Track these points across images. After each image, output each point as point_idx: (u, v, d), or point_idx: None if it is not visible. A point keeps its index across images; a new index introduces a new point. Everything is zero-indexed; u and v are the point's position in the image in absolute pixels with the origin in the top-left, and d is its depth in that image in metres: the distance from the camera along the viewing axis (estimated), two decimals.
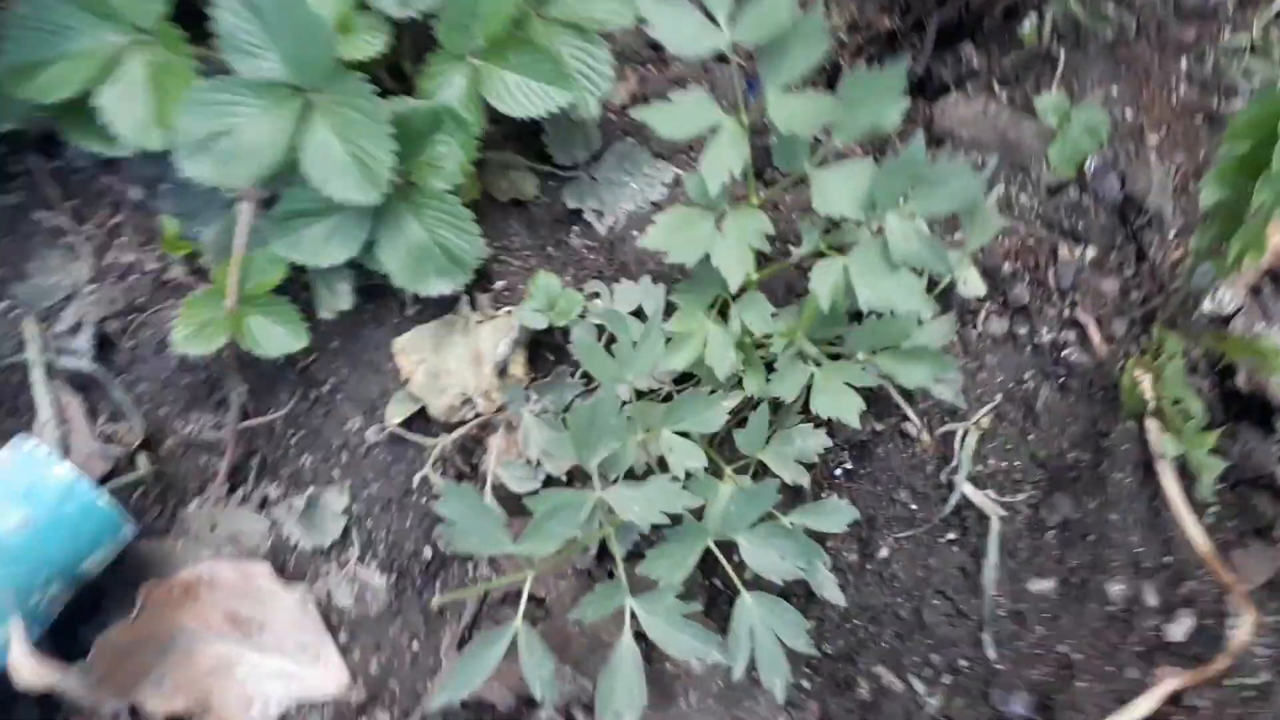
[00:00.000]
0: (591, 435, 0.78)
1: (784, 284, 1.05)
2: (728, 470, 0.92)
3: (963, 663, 1.06)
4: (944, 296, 1.06)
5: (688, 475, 0.85)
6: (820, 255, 0.86)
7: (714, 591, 1.06)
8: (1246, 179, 0.91)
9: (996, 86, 1.23)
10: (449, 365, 1.05)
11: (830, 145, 0.82)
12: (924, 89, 1.30)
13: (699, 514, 0.86)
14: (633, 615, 0.81)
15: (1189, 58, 1.26)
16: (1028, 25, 1.22)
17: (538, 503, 0.75)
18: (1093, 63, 1.23)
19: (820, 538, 0.90)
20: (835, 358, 0.91)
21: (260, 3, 0.89)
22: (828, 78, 1.28)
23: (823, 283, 0.83)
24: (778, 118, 0.79)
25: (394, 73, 1.09)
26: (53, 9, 0.95)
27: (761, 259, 0.91)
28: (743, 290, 0.88)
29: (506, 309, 1.08)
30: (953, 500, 1.03)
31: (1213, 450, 0.93)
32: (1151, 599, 1.10)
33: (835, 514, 0.85)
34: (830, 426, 0.94)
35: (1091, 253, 1.14)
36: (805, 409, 0.99)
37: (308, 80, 0.91)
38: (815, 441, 0.90)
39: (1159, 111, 1.22)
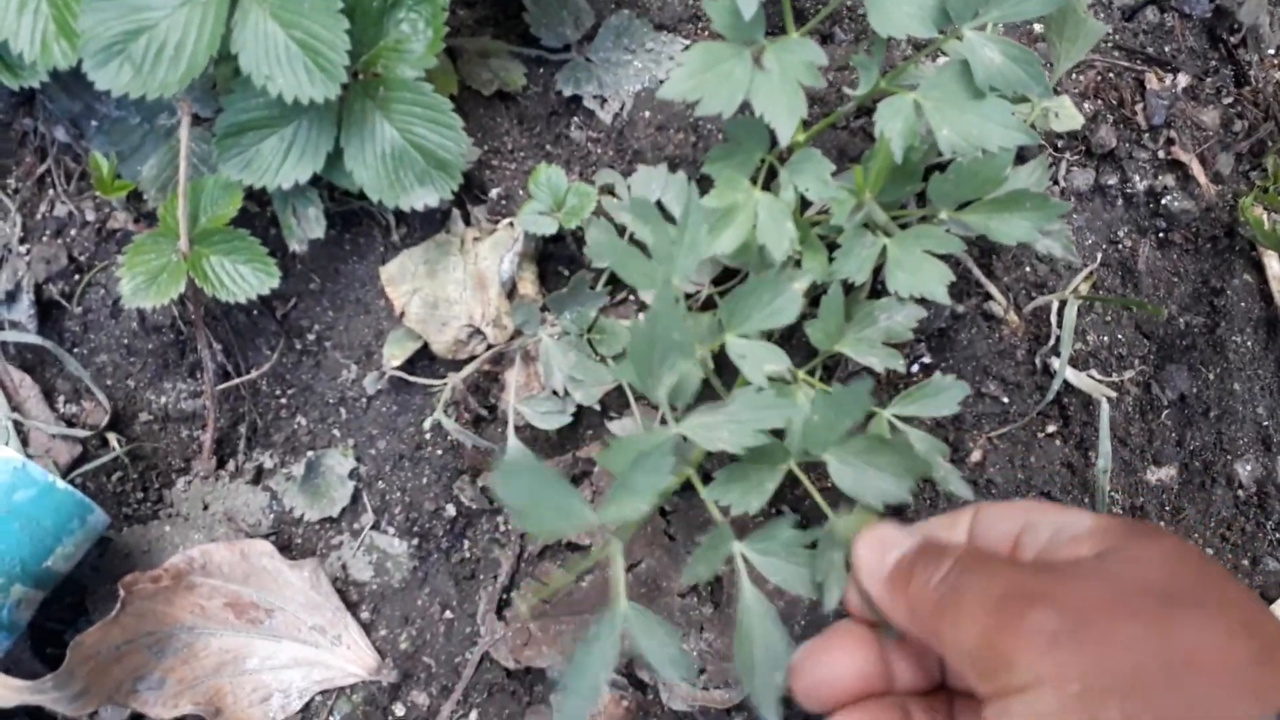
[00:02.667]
0: (654, 358, 0.62)
1: (834, 148, 0.88)
2: (800, 374, 0.76)
3: None
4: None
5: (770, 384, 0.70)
6: (881, 98, 0.70)
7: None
8: None
9: None
10: (448, 293, 0.90)
11: None
12: None
13: (778, 434, 0.70)
14: (745, 561, 0.65)
15: None
16: None
17: (611, 457, 0.59)
18: None
19: None
20: (905, 227, 0.75)
21: None
22: None
23: (892, 124, 0.67)
24: None
25: None
26: None
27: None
28: (791, 149, 0.72)
29: (507, 220, 0.92)
30: (1054, 386, 0.87)
31: None
32: None
33: (943, 393, 0.69)
34: None
35: (1183, 80, 0.96)
36: (874, 293, 0.83)
37: None
38: (907, 315, 0.73)
39: None
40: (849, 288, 0.78)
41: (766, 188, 0.75)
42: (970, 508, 0.62)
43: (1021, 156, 0.86)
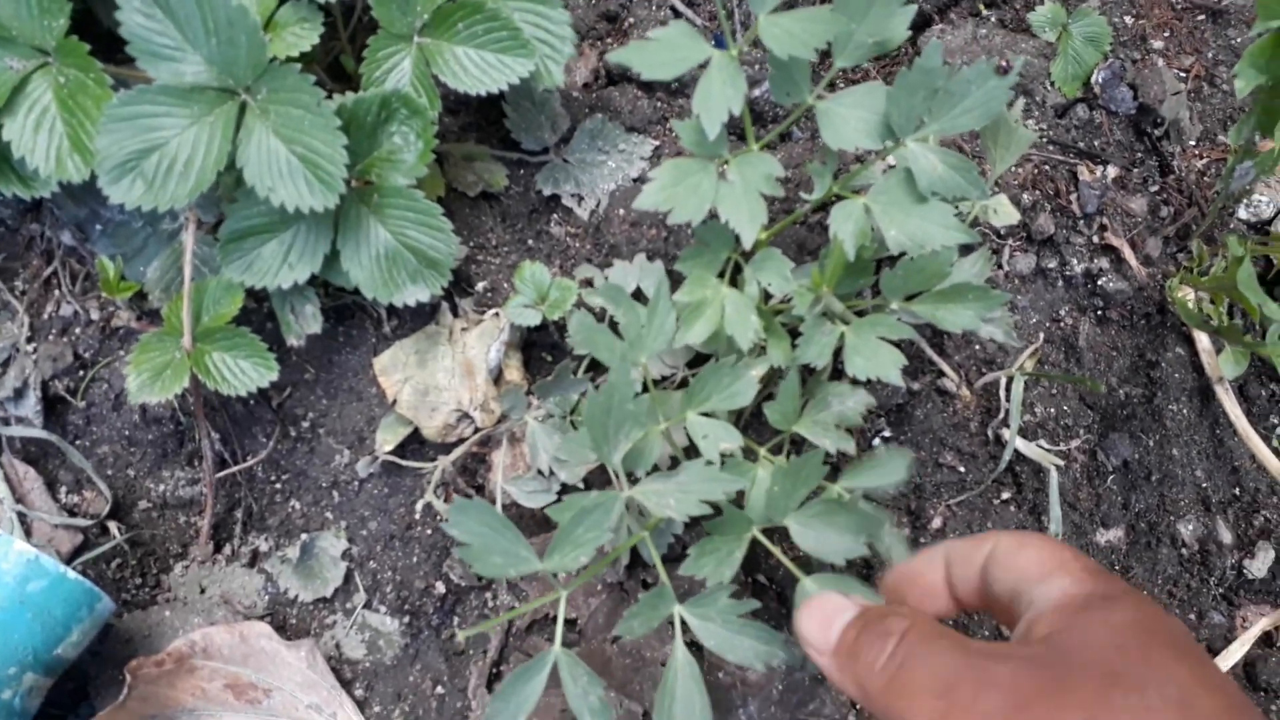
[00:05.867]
0: (610, 426, 0.68)
1: (794, 242, 0.95)
2: (761, 451, 0.82)
3: None
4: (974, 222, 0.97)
5: (723, 460, 0.76)
6: (835, 200, 0.77)
7: (758, 588, 0.96)
8: None
9: (983, 9, 1.14)
10: (438, 380, 0.95)
11: (833, 70, 0.72)
12: None
13: (738, 504, 0.76)
14: (683, 624, 0.71)
15: None
16: None
17: (561, 510, 0.65)
18: None
19: None
20: (860, 314, 0.82)
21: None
22: None
23: (844, 227, 0.74)
24: (772, 40, 0.69)
25: (334, 72, 1.00)
26: None
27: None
28: (754, 249, 0.79)
29: (492, 311, 0.98)
30: (1005, 456, 0.94)
31: None
32: (1226, 535, 1.02)
33: (888, 465, 0.75)
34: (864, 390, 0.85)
35: (1113, 171, 1.05)
36: (835, 374, 0.90)
37: (238, 79, 0.81)
38: (856, 401, 0.80)
39: (1159, 13, 1.14)
40: (810, 370, 0.84)
41: (733, 282, 0.82)
42: (939, 549, 0.62)
43: (966, 247, 0.93)
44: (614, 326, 0.87)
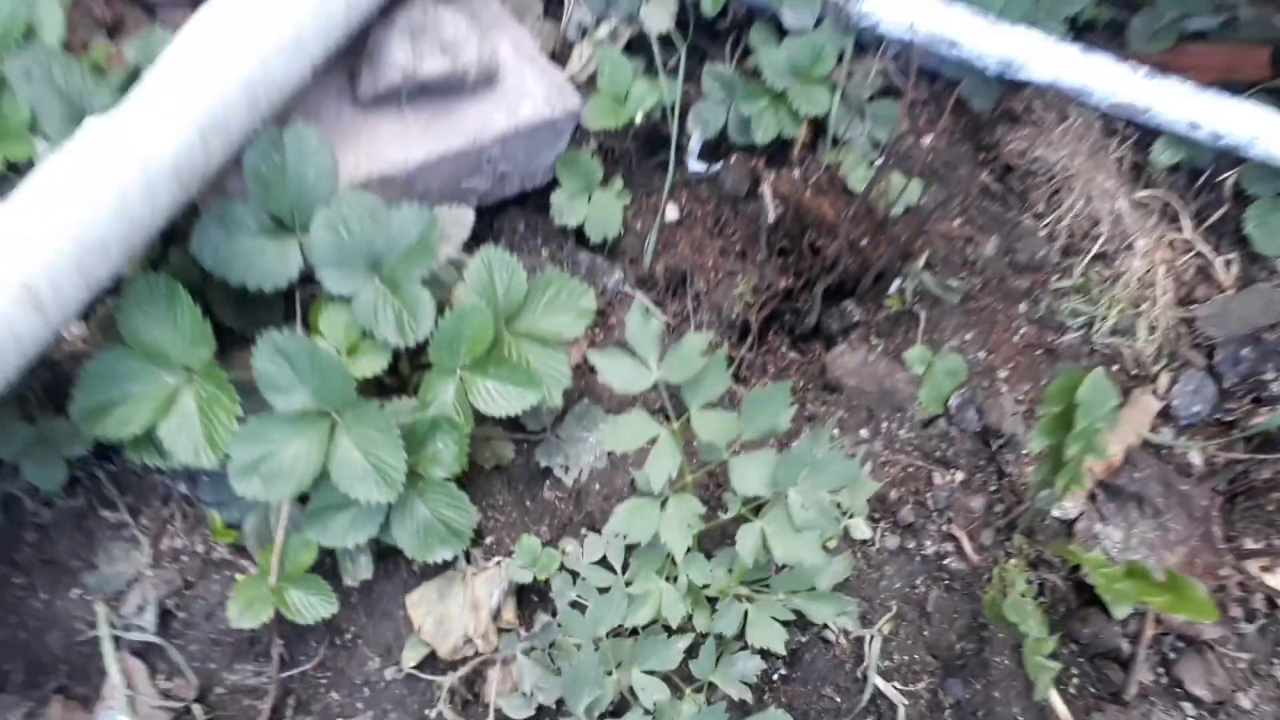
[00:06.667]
0: (579, 687, 1.02)
1: (719, 533, 1.31)
2: (687, 691, 1.16)
3: None
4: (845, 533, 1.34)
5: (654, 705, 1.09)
6: (742, 519, 1.13)
7: None
8: (1062, 431, 1.21)
9: (874, 338, 1.53)
10: (452, 612, 1.29)
11: (740, 441, 1.09)
12: (817, 335, 1.60)
13: None
14: None
15: (1026, 303, 1.58)
16: (894, 289, 1.53)
17: None
18: (948, 316, 1.54)
19: None
20: (758, 592, 1.17)
21: (290, 352, 1.15)
22: (740, 333, 1.57)
23: (746, 545, 1.09)
24: (700, 431, 1.06)
25: (390, 372, 1.36)
26: (119, 361, 1.17)
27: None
28: (685, 550, 1.14)
29: (496, 559, 1.32)
30: (866, 694, 1.28)
31: (1053, 652, 1.18)
32: None
33: None
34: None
35: (960, 475, 1.42)
36: (740, 634, 1.24)
37: (332, 406, 1.17)
38: (753, 665, 1.15)
39: (1006, 350, 1.53)
40: (723, 636, 1.19)
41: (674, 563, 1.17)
42: None
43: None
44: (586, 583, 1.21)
